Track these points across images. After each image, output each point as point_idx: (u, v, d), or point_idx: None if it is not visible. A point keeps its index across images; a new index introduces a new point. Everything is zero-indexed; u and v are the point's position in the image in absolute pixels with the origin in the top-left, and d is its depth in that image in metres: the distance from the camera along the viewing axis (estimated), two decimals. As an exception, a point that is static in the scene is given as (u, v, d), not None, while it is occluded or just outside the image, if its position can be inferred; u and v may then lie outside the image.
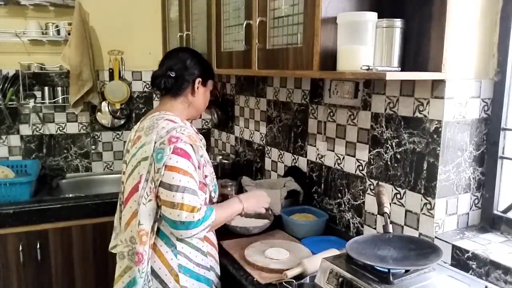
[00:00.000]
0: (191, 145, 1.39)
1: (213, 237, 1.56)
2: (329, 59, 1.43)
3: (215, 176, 1.58)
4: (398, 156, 1.58)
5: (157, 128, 1.39)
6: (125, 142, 2.96)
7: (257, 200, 1.62)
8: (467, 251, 1.36)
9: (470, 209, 1.54)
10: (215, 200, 1.57)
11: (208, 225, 1.37)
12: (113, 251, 1.59)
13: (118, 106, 2.86)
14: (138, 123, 1.57)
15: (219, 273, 1.56)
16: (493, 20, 1.45)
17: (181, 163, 1.34)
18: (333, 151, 1.92)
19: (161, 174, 1.33)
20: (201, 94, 1.59)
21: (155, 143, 1.36)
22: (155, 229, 1.39)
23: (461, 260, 1.38)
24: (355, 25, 1.37)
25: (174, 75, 1.52)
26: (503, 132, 1.48)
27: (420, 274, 1.21)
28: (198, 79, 1.55)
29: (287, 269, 1.46)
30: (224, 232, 1.76)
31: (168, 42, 2.85)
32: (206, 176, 1.48)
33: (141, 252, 1.35)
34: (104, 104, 2.87)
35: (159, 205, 1.37)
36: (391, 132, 1.60)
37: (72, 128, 2.83)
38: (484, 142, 1.51)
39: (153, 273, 1.40)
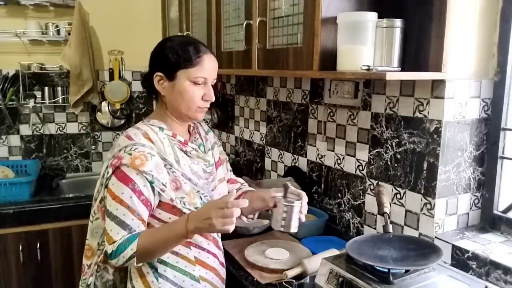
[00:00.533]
0: (134, 170, 1.19)
1: (210, 260, 1.34)
2: (329, 59, 1.43)
3: (204, 195, 1.31)
4: (398, 156, 1.58)
5: (115, 145, 1.29)
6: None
7: (210, 225, 1.12)
8: (467, 251, 1.36)
9: (470, 209, 1.54)
10: None
11: (129, 256, 1.16)
12: None
13: (118, 106, 2.86)
14: None
15: None
16: (493, 20, 1.45)
17: (116, 187, 1.19)
18: (333, 151, 1.92)
19: (104, 193, 1.26)
20: (171, 92, 1.28)
21: (108, 160, 1.26)
22: (97, 245, 1.36)
23: (461, 260, 1.38)
24: (355, 25, 1.37)
25: (144, 76, 1.36)
26: (503, 132, 1.48)
27: (420, 274, 1.21)
28: (157, 74, 1.27)
29: (287, 269, 1.46)
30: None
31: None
32: (172, 200, 1.23)
33: (83, 264, 1.38)
34: (104, 104, 2.87)
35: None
36: (391, 132, 1.60)
37: (72, 128, 2.83)
38: (484, 142, 1.51)
39: None
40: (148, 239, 1.18)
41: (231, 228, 1.11)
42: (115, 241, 1.18)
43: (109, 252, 1.19)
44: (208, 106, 1.33)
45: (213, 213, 1.11)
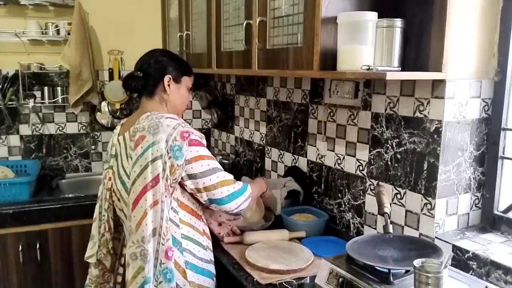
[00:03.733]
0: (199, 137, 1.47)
1: (208, 230, 1.60)
2: (329, 59, 1.43)
3: None
4: (399, 156, 1.58)
5: (162, 126, 1.41)
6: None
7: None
8: (468, 251, 1.36)
9: (471, 209, 1.54)
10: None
11: (248, 196, 1.52)
12: (90, 260, 1.64)
13: (117, 106, 2.86)
14: (118, 126, 1.61)
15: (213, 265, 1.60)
16: (493, 20, 1.45)
17: (201, 151, 1.43)
18: (333, 151, 1.92)
19: (185, 168, 1.40)
20: (175, 91, 1.58)
21: (166, 141, 1.38)
22: (173, 218, 1.44)
23: (462, 260, 1.38)
24: (355, 25, 1.36)
25: (141, 75, 1.56)
26: (504, 132, 1.48)
27: (421, 274, 1.20)
28: (168, 76, 1.55)
29: (287, 270, 1.47)
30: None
31: (168, 42, 2.85)
32: None
33: (172, 245, 1.40)
34: (103, 104, 2.86)
35: (177, 198, 1.46)
36: (391, 132, 1.60)
37: (72, 128, 2.83)
38: (484, 142, 1.51)
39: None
40: (253, 188, 1.59)
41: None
42: (234, 180, 1.50)
43: (238, 188, 1.50)
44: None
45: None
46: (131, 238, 1.39)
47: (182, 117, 1.60)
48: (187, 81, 1.62)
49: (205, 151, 1.45)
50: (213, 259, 1.58)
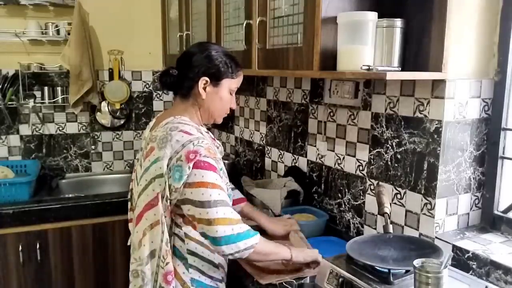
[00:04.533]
0: (212, 158, 1.30)
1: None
2: (329, 59, 1.43)
3: (229, 186, 1.48)
4: (399, 156, 1.58)
5: (171, 141, 1.27)
6: (125, 142, 2.98)
7: (305, 256, 1.44)
8: (468, 251, 1.36)
9: (471, 209, 1.54)
10: None
11: (250, 246, 1.28)
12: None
13: (117, 106, 2.86)
14: (153, 119, 1.49)
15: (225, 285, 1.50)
16: (493, 20, 1.45)
17: (207, 176, 1.26)
18: (333, 151, 1.92)
19: (183, 193, 1.26)
20: (212, 96, 1.41)
21: (170, 159, 1.26)
22: (171, 243, 1.34)
23: (462, 260, 1.38)
24: (356, 25, 1.36)
25: (175, 73, 1.41)
26: (504, 132, 1.48)
27: (421, 274, 1.20)
28: (203, 78, 1.38)
29: (287, 270, 1.47)
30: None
31: (168, 42, 2.85)
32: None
33: (172, 270, 1.30)
34: (103, 104, 2.87)
35: (182, 214, 1.33)
36: (391, 132, 1.60)
37: (72, 128, 2.83)
38: (484, 142, 1.51)
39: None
40: (264, 241, 1.35)
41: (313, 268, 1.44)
42: (240, 221, 1.29)
43: (236, 233, 1.26)
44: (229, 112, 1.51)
45: (314, 257, 1.44)
46: (133, 254, 1.34)
47: (214, 122, 1.47)
48: (230, 83, 1.42)
49: (212, 178, 1.26)
50: (225, 278, 1.47)
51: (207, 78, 1.38)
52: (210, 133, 1.50)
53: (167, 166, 1.26)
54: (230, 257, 1.31)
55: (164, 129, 1.32)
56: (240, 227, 1.28)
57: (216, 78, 1.40)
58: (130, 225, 1.53)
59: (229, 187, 1.43)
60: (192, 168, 1.24)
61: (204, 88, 1.39)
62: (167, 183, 1.26)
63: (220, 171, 1.35)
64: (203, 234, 1.29)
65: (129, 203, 1.53)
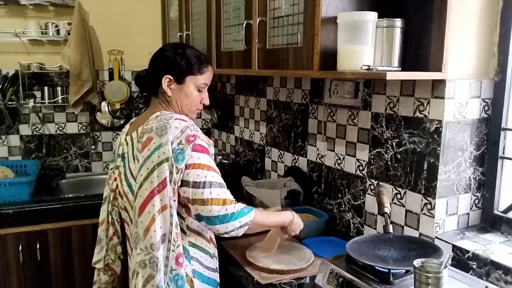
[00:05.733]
0: (206, 142, 1.38)
1: (214, 238, 1.51)
2: (329, 59, 1.43)
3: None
4: (399, 156, 1.58)
5: (170, 128, 1.32)
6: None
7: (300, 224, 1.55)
8: (468, 251, 1.36)
9: (471, 209, 1.54)
10: None
11: (245, 223, 1.32)
12: (97, 266, 1.55)
13: (117, 106, 2.86)
14: (127, 125, 1.53)
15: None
16: (493, 20, 1.45)
17: (203, 158, 1.32)
18: (333, 151, 1.92)
19: (183, 174, 1.29)
20: (177, 93, 1.45)
21: (172, 143, 1.30)
22: (180, 225, 1.36)
23: (462, 260, 1.38)
24: (356, 25, 1.36)
25: (143, 74, 1.50)
26: (504, 132, 1.48)
27: (421, 274, 1.21)
28: (166, 77, 1.42)
29: (287, 270, 1.47)
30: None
31: (168, 42, 2.85)
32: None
33: (183, 252, 1.33)
34: (103, 104, 2.86)
35: (184, 204, 1.35)
36: (391, 132, 1.60)
37: (72, 128, 2.83)
38: (484, 142, 1.51)
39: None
40: (259, 213, 1.38)
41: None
42: (233, 201, 1.31)
43: (230, 212, 1.29)
44: (202, 108, 1.54)
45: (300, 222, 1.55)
46: (139, 245, 1.32)
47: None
48: (194, 80, 1.45)
49: (206, 160, 1.32)
50: (218, 267, 1.50)
51: (170, 76, 1.43)
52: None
53: (171, 150, 1.29)
54: (226, 235, 1.33)
55: (158, 120, 1.37)
56: (234, 207, 1.30)
57: (179, 76, 1.44)
58: (98, 247, 1.56)
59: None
60: (191, 150, 1.30)
61: (169, 86, 1.44)
62: (174, 166, 1.29)
63: (212, 156, 1.39)
64: (198, 216, 1.31)
65: (106, 218, 1.54)
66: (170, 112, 1.44)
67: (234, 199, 1.33)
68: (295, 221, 1.51)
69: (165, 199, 1.29)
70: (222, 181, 1.34)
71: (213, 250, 1.48)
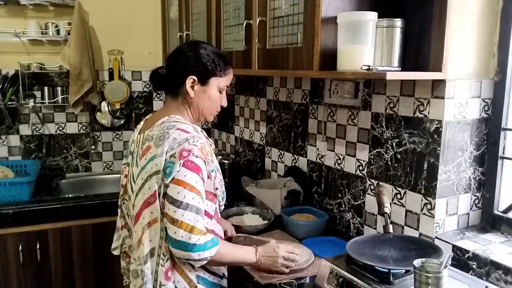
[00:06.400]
0: (203, 159, 1.30)
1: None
2: (329, 59, 1.43)
3: (223, 183, 1.47)
4: (399, 156, 1.58)
5: (168, 139, 1.27)
6: (125, 142, 2.97)
7: (274, 262, 1.44)
8: (468, 251, 1.36)
9: (471, 209, 1.54)
10: (222, 208, 1.49)
11: (204, 258, 1.25)
12: (114, 252, 1.56)
13: (117, 106, 2.86)
14: (142, 122, 1.48)
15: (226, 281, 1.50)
16: (493, 20, 1.45)
17: (189, 177, 1.25)
18: (333, 151, 1.92)
19: (167, 187, 1.25)
20: (200, 95, 1.40)
21: (166, 154, 1.26)
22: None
23: (462, 260, 1.38)
24: (356, 25, 1.36)
25: (164, 73, 1.43)
26: (504, 132, 1.48)
27: (421, 274, 1.21)
28: (191, 77, 1.38)
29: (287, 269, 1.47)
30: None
31: (168, 42, 2.85)
32: (216, 188, 1.39)
33: (171, 266, 1.30)
34: (103, 104, 2.86)
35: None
36: (392, 132, 1.60)
37: (72, 128, 2.83)
38: (484, 142, 1.51)
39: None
40: (226, 250, 1.33)
41: (286, 272, 1.45)
42: (203, 233, 1.24)
43: (192, 242, 1.22)
44: (220, 109, 1.50)
45: (280, 255, 1.44)
46: (133, 254, 1.34)
47: (207, 121, 1.46)
48: (218, 82, 1.42)
49: (192, 180, 1.25)
50: (226, 274, 1.47)
51: (194, 77, 1.38)
52: (204, 131, 1.49)
53: (163, 162, 1.26)
54: (180, 261, 1.30)
55: (161, 128, 1.32)
56: (199, 239, 1.23)
57: (203, 77, 1.39)
58: (116, 235, 1.55)
59: (223, 184, 1.45)
60: (182, 166, 1.25)
61: (192, 87, 1.39)
62: (163, 180, 1.26)
63: (212, 172, 1.34)
64: (164, 228, 1.27)
65: (119, 210, 1.52)
66: (177, 119, 1.37)
67: (205, 230, 1.26)
68: (262, 262, 1.42)
69: (155, 213, 1.27)
70: (201, 206, 1.27)
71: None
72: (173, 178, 1.24)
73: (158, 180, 1.26)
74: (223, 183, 1.46)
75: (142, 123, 1.48)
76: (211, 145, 1.47)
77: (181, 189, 1.24)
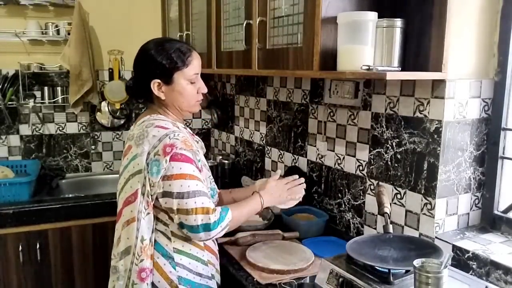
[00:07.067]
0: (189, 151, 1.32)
1: (213, 245, 1.48)
2: (329, 59, 1.43)
3: (212, 180, 1.51)
4: (399, 156, 1.58)
5: (147, 137, 1.29)
6: (125, 142, 2.96)
7: (279, 193, 1.52)
8: (468, 251, 1.36)
9: (471, 209, 1.54)
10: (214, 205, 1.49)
11: (226, 226, 1.32)
12: None
13: (117, 106, 2.86)
14: (133, 126, 1.47)
15: (219, 282, 1.49)
16: (493, 20, 1.45)
17: (185, 168, 1.28)
18: (333, 151, 1.92)
19: (161, 186, 1.27)
20: (171, 94, 1.38)
21: (148, 154, 1.28)
22: (153, 240, 1.34)
23: (462, 260, 1.38)
24: (356, 25, 1.36)
25: (131, 84, 1.44)
26: (504, 132, 1.48)
27: (421, 274, 1.20)
28: (154, 81, 1.36)
29: (287, 270, 1.47)
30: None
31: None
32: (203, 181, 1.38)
33: (147, 266, 1.31)
34: (103, 104, 2.86)
35: (159, 219, 1.35)
36: (391, 132, 1.60)
37: (72, 128, 2.83)
38: (484, 142, 1.51)
39: (153, 286, 1.34)
40: (236, 211, 1.36)
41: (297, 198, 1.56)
42: (214, 209, 1.29)
43: (212, 221, 1.27)
44: (202, 98, 1.46)
45: (284, 189, 1.52)
46: (113, 250, 1.37)
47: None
48: (183, 74, 1.37)
49: (189, 169, 1.28)
50: (216, 275, 1.47)
51: (157, 80, 1.36)
52: (188, 128, 1.49)
53: (146, 161, 1.27)
54: (207, 241, 1.37)
55: (140, 127, 1.34)
56: (215, 215, 1.29)
57: (166, 76, 1.36)
58: None
59: (211, 180, 1.49)
60: (169, 161, 1.26)
61: (160, 90, 1.38)
62: (147, 178, 1.27)
63: (199, 162, 1.36)
64: (181, 224, 1.29)
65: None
66: (158, 117, 1.37)
67: (214, 206, 1.31)
68: (265, 201, 1.46)
69: (135, 212, 1.29)
70: (205, 189, 1.31)
71: (208, 256, 1.43)
72: (166, 175, 1.26)
73: (141, 179, 1.28)
74: (212, 179, 1.50)
75: (133, 127, 1.48)
76: (198, 142, 1.48)
77: (182, 181, 1.26)
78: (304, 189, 1.59)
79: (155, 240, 1.35)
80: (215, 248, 1.50)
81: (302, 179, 1.59)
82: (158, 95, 1.38)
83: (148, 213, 1.31)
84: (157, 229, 1.36)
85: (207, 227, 1.27)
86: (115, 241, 1.37)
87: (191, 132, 1.50)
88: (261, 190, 1.50)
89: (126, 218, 1.31)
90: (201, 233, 1.28)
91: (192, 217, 1.26)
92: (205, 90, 1.45)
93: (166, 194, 1.28)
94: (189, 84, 1.39)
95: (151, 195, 1.29)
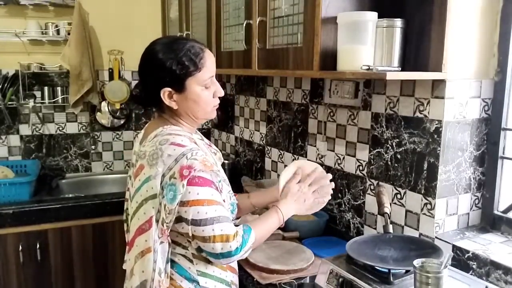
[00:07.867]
0: (209, 172, 1.18)
1: (234, 264, 1.37)
2: (329, 59, 1.43)
3: (233, 195, 1.38)
4: (399, 156, 1.58)
5: (162, 157, 1.13)
6: (125, 142, 2.97)
7: (304, 198, 1.37)
8: (468, 251, 1.36)
9: (471, 209, 1.54)
10: (233, 221, 1.35)
11: (249, 249, 1.22)
12: (124, 267, 1.38)
13: (117, 106, 2.86)
14: (142, 131, 1.35)
15: None
16: (493, 20, 1.45)
17: (203, 193, 1.15)
18: (333, 151, 1.92)
19: (179, 212, 1.15)
20: (184, 102, 1.23)
21: (163, 176, 1.13)
22: (168, 270, 1.20)
23: (462, 260, 1.38)
24: (355, 25, 1.36)
25: (138, 93, 1.29)
26: (504, 132, 1.48)
27: (421, 274, 1.21)
28: (164, 90, 1.21)
29: (287, 270, 1.46)
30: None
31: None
32: (224, 201, 1.26)
33: None
34: (103, 104, 2.86)
35: (179, 243, 1.23)
36: (391, 132, 1.60)
37: (72, 128, 2.83)
38: (484, 142, 1.51)
39: None
40: (258, 231, 1.26)
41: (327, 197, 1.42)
42: (236, 234, 1.18)
43: (234, 248, 1.17)
44: (219, 101, 1.31)
45: (308, 192, 1.38)
46: (126, 283, 1.24)
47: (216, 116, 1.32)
48: (197, 79, 1.21)
49: (207, 194, 1.15)
50: (236, 282, 1.37)
51: (168, 88, 1.21)
52: (205, 139, 1.39)
53: (160, 184, 1.13)
54: (227, 265, 1.28)
55: (153, 143, 1.18)
56: (237, 241, 1.18)
57: (177, 84, 1.21)
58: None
59: (231, 195, 1.36)
60: (187, 186, 1.12)
61: (171, 99, 1.23)
62: (162, 205, 1.13)
63: (219, 183, 1.25)
64: (199, 249, 1.20)
65: (125, 225, 1.38)
66: (172, 130, 1.22)
67: (235, 229, 1.19)
68: (284, 215, 1.34)
69: (150, 241, 1.14)
70: (225, 212, 1.19)
71: (231, 277, 1.33)
72: (182, 201, 1.14)
73: (155, 205, 1.14)
74: (232, 194, 1.37)
75: (142, 132, 1.35)
76: (215, 154, 1.39)
77: (200, 208, 1.14)
78: (332, 188, 1.44)
79: (176, 264, 1.24)
80: (236, 266, 1.39)
81: (330, 175, 1.42)
82: (169, 105, 1.22)
83: (162, 242, 1.17)
84: (176, 252, 1.24)
85: (228, 255, 1.17)
86: (127, 273, 1.22)
87: (209, 143, 1.39)
88: (282, 199, 1.37)
89: (141, 248, 1.15)
90: (222, 259, 1.19)
91: (210, 245, 1.15)
92: (222, 93, 1.29)
93: (181, 219, 1.16)
94: (204, 90, 1.24)
95: (166, 223, 1.15)
